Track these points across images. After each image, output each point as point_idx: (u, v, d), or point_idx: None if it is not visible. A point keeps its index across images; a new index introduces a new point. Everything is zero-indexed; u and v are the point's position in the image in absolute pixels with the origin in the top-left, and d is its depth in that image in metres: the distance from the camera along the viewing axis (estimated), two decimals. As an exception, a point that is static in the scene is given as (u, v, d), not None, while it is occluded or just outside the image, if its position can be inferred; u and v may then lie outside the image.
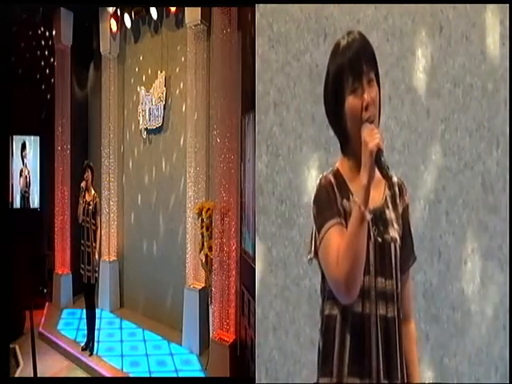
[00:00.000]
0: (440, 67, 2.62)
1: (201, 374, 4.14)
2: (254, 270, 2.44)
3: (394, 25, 2.52)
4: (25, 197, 6.04)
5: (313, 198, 1.43)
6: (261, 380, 2.38)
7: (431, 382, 2.56)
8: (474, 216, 2.72)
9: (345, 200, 1.39)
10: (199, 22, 4.52)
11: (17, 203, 5.98)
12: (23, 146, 6.05)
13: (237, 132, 4.00)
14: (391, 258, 1.42)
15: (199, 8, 4.46)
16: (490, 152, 2.77)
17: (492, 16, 2.75)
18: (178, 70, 5.20)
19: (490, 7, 2.74)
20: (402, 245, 1.47)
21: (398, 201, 1.50)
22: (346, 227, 1.33)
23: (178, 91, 5.22)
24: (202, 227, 4.33)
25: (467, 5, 2.69)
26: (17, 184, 5.97)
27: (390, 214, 1.46)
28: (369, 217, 1.28)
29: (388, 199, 1.48)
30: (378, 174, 1.35)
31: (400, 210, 1.50)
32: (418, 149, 2.59)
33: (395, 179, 1.53)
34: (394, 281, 1.42)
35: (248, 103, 3.54)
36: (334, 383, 1.36)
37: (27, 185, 6.05)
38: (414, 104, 2.59)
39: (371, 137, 1.31)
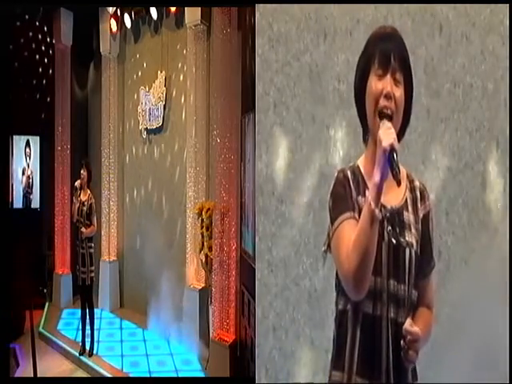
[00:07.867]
0: (440, 67, 2.62)
1: (201, 374, 4.14)
2: (254, 269, 2.44)
3: (393, 25, 2.50)
4: (27, 197, 6.02)
5: (330, 192, 1.43)
6: (261, 380, 2.38)
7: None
8: (474, 216, 2.72)
9: (360, 196, 1.39)
10: (199, 21, 4.52)
11: (19, 203, 5.95)
12: (27, 145, 6.03)
13: (237, 132, 4.00)
14: (405, 262, 1.40)
15: (199, 8, 4.46)
16: (490, 152, 2.76)
17: (492, 16, 2.75)
18: (178, 70, 5.20)
19: (490, 7, 2.74)
20: (421, 250, 1.45)
21: (418, 205, 1.48)
22: None
23: (177, 91, 5.21)
24: (202, 227, 4.32)
25: (467, 5, 2.69)
26: (17, 184, 5.96)
27: (409, 216, 1.44)
28: (379, 215, 1.27)
29: (408, 201, 1.46)
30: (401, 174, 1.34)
31: (421, 214, 1.48)
32: (418, 149, 2.58)
33: (417, 183, 1.52)
34: (407, 286, 1.40)
35: (248, 103, 3.54)
36: (345, 381, 1.35)
37: (29, 185, 6.03)
38: (413, 104, 2.59)
39: (386, 135, 1.31)
